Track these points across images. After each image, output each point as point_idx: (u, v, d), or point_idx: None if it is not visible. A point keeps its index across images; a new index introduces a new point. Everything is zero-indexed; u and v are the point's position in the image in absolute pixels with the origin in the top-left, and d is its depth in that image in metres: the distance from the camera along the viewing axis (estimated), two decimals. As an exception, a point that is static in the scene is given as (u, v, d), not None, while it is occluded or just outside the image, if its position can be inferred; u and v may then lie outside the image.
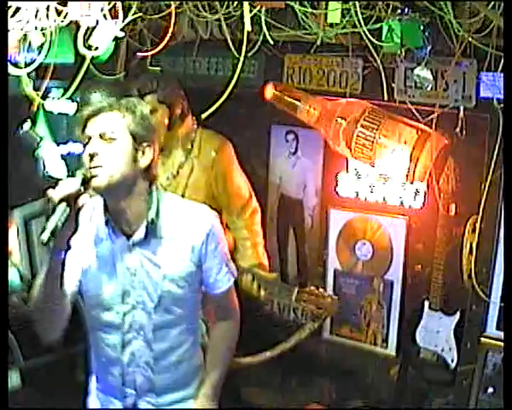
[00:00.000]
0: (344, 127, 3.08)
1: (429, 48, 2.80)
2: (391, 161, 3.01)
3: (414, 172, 2.96)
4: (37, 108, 3.66)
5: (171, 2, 2.98)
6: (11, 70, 2.89)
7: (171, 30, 3.18)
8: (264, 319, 3.44)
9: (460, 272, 3.12)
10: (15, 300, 3.40)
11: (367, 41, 2.73)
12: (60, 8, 2.65)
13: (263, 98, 3.36)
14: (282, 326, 3.45)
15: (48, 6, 2.63)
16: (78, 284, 2.18)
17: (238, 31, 3.09)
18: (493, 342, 3.07)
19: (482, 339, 3.11)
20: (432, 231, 3.25)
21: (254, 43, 3.11)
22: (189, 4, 3.01)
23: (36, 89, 3.50)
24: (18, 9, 2.59)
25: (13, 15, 2.59)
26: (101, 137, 2.04)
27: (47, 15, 2.65)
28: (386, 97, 3.14)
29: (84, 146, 2.06)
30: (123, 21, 2.85)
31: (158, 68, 3.69)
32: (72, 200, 1.94)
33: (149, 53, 3.45)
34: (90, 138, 2.06)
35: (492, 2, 2.47)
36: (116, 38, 2.96)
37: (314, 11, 2.80)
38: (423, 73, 2.94)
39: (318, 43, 2.95)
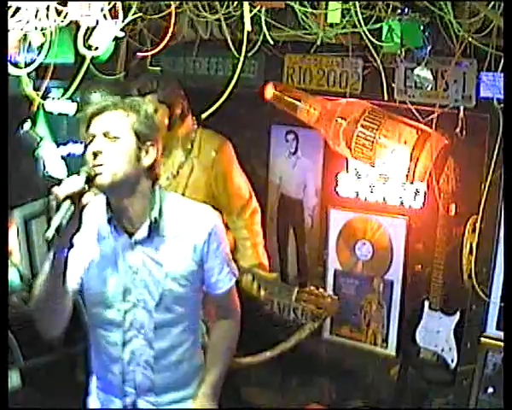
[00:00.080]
0: (344, 127, 3.08)
1: (429, 48, 2.80)
2: (391, 161, 3.01)
3: (414, 172, 2.96)
4: (37, 108, 3.66)
5: (171, 2, 2.98)
6: (11, 70, 2.89)
7: (171, 30, 3.18)
8: (264, 319, 3.44)
9: (460, 272, 3.12)
10: (15, 300, 3.40)
11: (367, 41, 2.73)
12: (60, 8, 2.65)
13: (263, 98, 3.36)
14: (282, 326, 3.46)
15: (48, 6, 2.62)
16: (80, 281, 2.19)
17: (238, 31, 3.09)
18: (493, 342, 3.08)
19: (482, 339, 3.11)
20: (432, 231, 3.25)
21: (254, 43, 3.11)
22: (189, 4, 3.01)
23: (36, 89, 3.50)
24: (18, 9, 2.59)
25: (13, 15, 2.59)
26: (105, 135, 2.05)
27: (47, 15, 2.65)
28: (386, 97, 3.15)
29: (88, 144, 2.07)
30: (123, 21, 2.85)
31: (158, 68, 3.69)
32: (76, 198, 1.95)
33: (149, 53, 3.45)
34: (94, 137, 2.06)
35: (492, 2, 2.47)
36: (116, 38, 2.96)
37: (314, 11, 2.80)
38: (423, 73, 2.94)
39: (318, 43, 2.95)
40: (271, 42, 2.96)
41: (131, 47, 3.65)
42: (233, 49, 3.16)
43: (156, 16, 3.15)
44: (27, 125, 3.59)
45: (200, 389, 2.33)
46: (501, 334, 3.02)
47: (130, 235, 2.14)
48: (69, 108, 3.79)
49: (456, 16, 2.60)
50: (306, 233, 3.85)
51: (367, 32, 2.66)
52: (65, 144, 3.82)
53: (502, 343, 2.95)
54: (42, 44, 2.89)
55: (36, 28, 2.69)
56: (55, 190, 1.95)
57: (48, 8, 2.63)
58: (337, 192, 3.51)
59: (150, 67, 3.69)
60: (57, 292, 2.05)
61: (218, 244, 2.22)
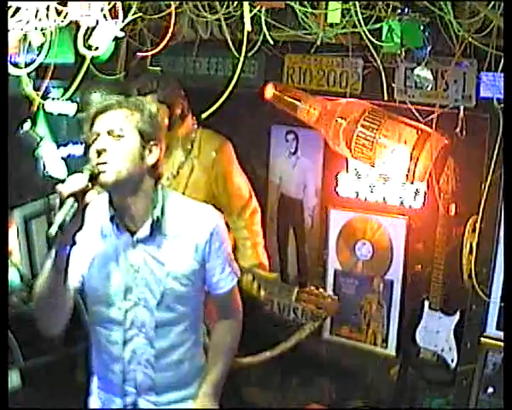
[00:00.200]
0: (344, 127, 3.08)
1: (429, 48, 2.80)
2: (391, 161, 3.01)
3: (414, 172, 2.96)
4: (37, 108, 3.66)
5: (171, 2, 2.97)
6: (11, 70, 2.89)
7: (171, 30, 3.17)
8: (264, 319, 3.44)
9: (460, 272, 3.12)
10: (15, 300, 3.40)
11: (367, 41, 2.73)
12: (60, 8, 2.65)
13: (263, 98, 3.36)
14: (282, 326, 3.45)
15: (48, 6, 2.62)
16: (82, 279, 2.19)
17: (238, 31, 3.09)
18: (493, 342, 3.07)
19: (482, 339, 3.11)
20: (432, 231, 3.25)
21: (254, 43, 3.11)
22: (189, 4, 3.01)
23: (36, 89, 3.50)
24: (18, 9, 2.59)
25: (13, 15, 2.58)
26: (109, 133, 2.06)
27: (47, 15, 2.64)
28: (386, 97, 3.14)
29: (92, 143, 2.07)
30: (123, 21, 2.85)
31: (158, 68, 3.69)
32: (79, 195, 1.95)
33: (149, 53, 3.45)
34: (98, 135, 2.07)
35: (492, 2, 2.47)
36: (116, 38, 2.96)
37: (314, 11, 2.80)
38: (423, 73, 2.94)
39: (318, 43, 2.95)
40: (271, 42, 2.96)
41: (131, 47, 3.65)
42: (233, 49, 3.15)
43: (156, 16, 3.15)
44: (27, 125, 3.59)
45: (201, 389, 2.32)
46: (501, 334, 3.02)
47: (132, 233, 2.14)
48: (69, 108, 3.79)
49: (456, 16, 2.60)
50: (306, 233, 3.85)
51: (367, 32, 2.66)
52: (65, 145, 3.82)
53: (502, 343, 2.95)
54: (42, 44, 2.89)
55: (36, 28, 2.69)
56: (59, 187, 1.96)
57: (48, 8, 2.63)
58: (337, 192, 3.51)
59: (150, 67, 3.68)
60: (58, 289, 2.06)
61: (219, 244, 2.22)
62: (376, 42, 2.73)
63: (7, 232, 2.97)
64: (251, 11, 2.74)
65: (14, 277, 3.49)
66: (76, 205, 1.94)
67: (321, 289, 3.23)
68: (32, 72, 3.18)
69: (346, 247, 3.65)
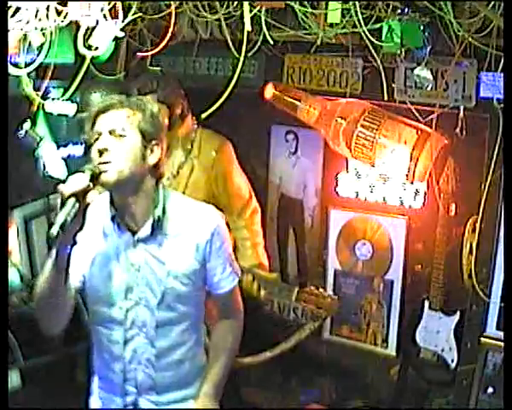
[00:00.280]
0: (344, 127, 3.08)
1: (429, 48, 2.80)
2: (391, 161, 3.01)
3: (414, 172, 2.96)
4: (37, 108, 3.66)
5: (171, 2, 2.97)
6: (11, 70, 2.88)
7: (171, 30, 3.17)
8: (264, 319, 3.44)
9: (460, 272, 3.12)
10: (15, 300, 3.40)
11: (367, 41, 2.73)
12: (60, 8, 2.64)
13: (263, 98, 3.36)
14: (282, 326, 3.45)
15: (48, 6, 2.62)
16: (82, 279, 2.19)
17: (238, 31, 3.09)
18: (493, 342, 3.07)
19: (482, 339, 3.11)
20: (432, 231, 3.25)
21: (254, 43, 3.11)
22: (189, 4, 3.00)
23: (36, 89, 3.50)
24: (18, 9, 2.59)
25: (13, 15, 2.58)
26: (110, 133, 2.06)
27: (47, 15, 2.64)
28: (386, 97, 3.15)
29: (94, 142, 2.07)
30: (123, 21, 2.85)
31: (158, 68, 3.69)
32: (81, 195, 1.96)
33: (149, 53, 3.45)
34: (99, 134, 2.07)
35: (492, 2, 2.47)
36: (116, 38, 2.96)
37: (314, 11, 2.80)
38: (423, 73, 2.94)
39: (318, 43, 2.95)
40: (271, 42, 2.96)
41: (131, 47, 3.65)
42: (233, 49, 3.15)
43: (156, 16, 3.15)
44: (27, 125, 3.58)
45: (202, 389, 2.32)
46: (501, 334, 3.02)
47: (133, 233, 2.15)
48: (69, 108, 3.79)
49: (456, 16, 2.60)
50: (306, 233, 3.85)
51: (367, 32, 2.66)
52: (65, 145, 3.82)
53: (502, 343, 2.95)
54: (42, 44, 2.89)
55: (36, 28, 2.69)
56: (61, 187, 1.96)
57: (48, 8, 2.63)
58: (337, 192, 3.51)
59: (150, 67, 3.68)
60: (59, 289, 2.06)
61: (220, 244, 2.22)
62: (376, 42, 2.73)
63: (7, 232, 2.97)
64: (251, 11, 2.74)
65: (14, 277, 3.49)
66: (77, 205, 1.94)
67: (321, 289, 3.23)
68: (31, 72, 3.17)
69: (345, 247, 3.65)
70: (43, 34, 2.81)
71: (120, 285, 2.16)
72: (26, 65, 3.08)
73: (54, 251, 1.98)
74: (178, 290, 2.17)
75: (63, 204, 1.94)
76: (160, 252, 2.15)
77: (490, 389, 3.08)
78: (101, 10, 2.70)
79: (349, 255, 3.64)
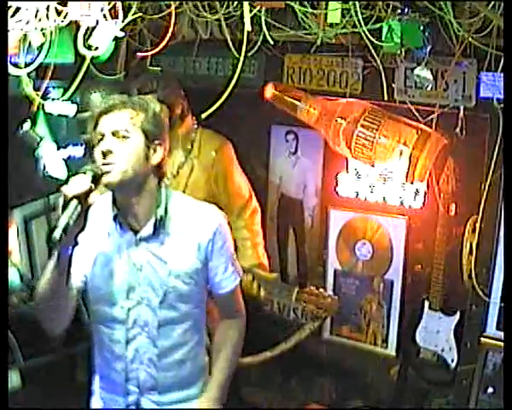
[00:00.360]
0: (344, 127, 3.08)
1: (429, 48, 2.80)
2: (391, 160, 3.01)
3: (414, 172, 2.96)
4: (37, 108, 3.66)
5: (171, 2, 2.98)
6: (11, 70, 2.88)
7: (171, 30, 3.18)
8: (264, 319, 3.44)
9: (460, 272, 3.12)
10: (15, 300, 3.40)
11: (367, 41, 2.73)
12: (60, 8, 2.65)
13: (263, 98, 3.36)
14: (282, 326, 3.45)
15: (48, 6, 2.62)
16: (84, 279, 2.19)
17: (238, 31, 3.09)
18: (493, 342, 3.08)
19: (482, 339, 3.11)
20: (432, 231, 3.25)
21: (254, 43, 3.11)
22: (189, 4, 3.01)
23: (36, 89, 3.50)
24: (18, 9, 2.59)
25: (13, 15, 2.58)
26: (114, 134, 2.06)
27: (47, 15, 2.64)
28: (386, 97, 3.15)
29: (97, 144, 2.07)
30: (123, 21, 2.85)
31: (158, 68, 3.69)
32: (83, 197, 1.96)
33: (149, 53, 3.45)
34: (102, 136, 2.07)
35: (492, 2, 2.47)
36: (116, 38, 2.96)
37: (314, 11, 2.80)
38: (423, 73, 2.94)
39: (318, 43, 2.95)
40: (271, 42, 2.96)
41: (131, 47, 3.65)
42: (233, 49, 3.15)
43: (156, 16, 3.15)
44: (27, 125, 3.58)
45: (207, 392, 2.31)
46: (501, 334, 3.02)
47: (135, 232, 2.15)
48: (69, 109, 3.79)
49: (456, 16, 2.60)
50: (306, 233, 3.85)
51: (367, 32, 2.66)
52: (65, 147, 3.82)
53: (502, 343, 2.95)
54: (42, 44, 2.89)
55: (36, 28, 2.69)
56: (63, 189, 1.96)
57: (48, 8, 2.63)
58: (337, 192, 3.51)
59: (150, 67, 3.68)
60: (61, 290, 2.06)
61: (222, 243, 2.22)
62: (376, 42, 2.73)
63: (7, 232, 2.97)
64: (251, 11, 2.74)
65: (14, 277, 3.49)
66: (79, 207, 1.95)
67: (321, 289, 3.23)
68: (31, 72, 3.17)
69: (346, 247, 3.65)
70: (43, 34, 2.81)
71: (122, 285, 2.16)
72: (26, 65, 3.08)
73: (55, 252, 1.99)
74: (180, 290, 2.17)
75: (65, 207, 1.94)
76: (162, 251, 2.15)
77: (490, 389, 3.08)
78: (101, 10, 2.70)
79: (349, 255, 3.64)
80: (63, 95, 3.61)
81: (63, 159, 3.76)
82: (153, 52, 3.40)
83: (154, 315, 2.17)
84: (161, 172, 2.17)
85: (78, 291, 2.19)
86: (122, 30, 2.88)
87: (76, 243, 1.99)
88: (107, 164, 2.03)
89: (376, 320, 3.61)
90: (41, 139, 3.62)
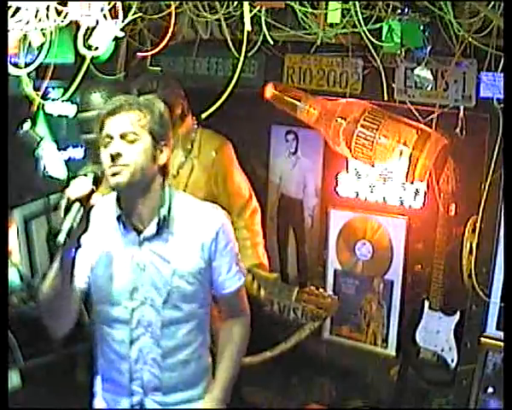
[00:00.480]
0: (344, 127, 3.08)
1: (429, 48, 2.80)
2: (391, 160, 3.01)
3: (414, 172, 2.96)
4: (37, 109, 3.66)
5: (171, 2, 2.98)
6: (11, 70, 2.88)
7: (171, 30, 3.18)
8: (264, 319, 3.44)
9: (460, 272, 3.12)
10: (15, 300, 3.40)
11: (367, 41, 2.73)
12: (60, 8, 2.64)
13: (263, 98, 3.36)
14: (282, 326, 3.45)
15: (48, 6, 2.62)
16: (88, 280, 2.19)
17: (238, 31, 3.09)
18: (493, 342, 3.08)
19: (482, 339, 3.11)
20: (432, 231, 3.25)
21: (254, 43, 3.11)
22: (189, 4, 3.01)
23: (36, 89, 3.50)
24: (18, 9, 2.59)
25: (13, 15, 2.58)
26: (122, 137, 2.05)
27: (47, 15, 2.64)
28: (386, 97, 3.15)
29: (105, 146, 2.06)
30: (123, 21, 2.85)
31: (158, 68, 3.69)
32: (85, 199, 1.96)
33: (149, 53, 3.45)
34: (110, 138, 2.06)
35: (492, 2, 2.47)
36: (116, 38, 2.96)
37: (314, 11, 2.80)
38: (423, 73, 2.94)
39: (318, 43, 2.95)
40: (271, 42, 2.96)
41: (131, 47, 3.65)
42: (233, 49, 3.16)
43: (156, 16, 3.15)
44: (27, 125, 3.58)
45: (211, 393, 2.31)
46: (501, 334, 3.02)
47: (139, 232, 2.14)
48: (69, 109, 3.79)
49: (456, 16, 2.60)
50: (306, 233, 3.85)
51: (367, 32, 2.66)
52: (65, 147, 3.82)
53: (502, 343, 2.95)
54: (42, 44, 2.89)
55: (36, 28, 2.69)
56: (66, 192, 1.96)
57: (48, 8, 2.63)
58: (337, 192, 3.51)
59: (150, 67, 3.69)
60: (65, 292, 2.06)
61: (226, 243, 2.22)
62: (376, 42, 2.73)
63: (7, 232, 2.97)
64: (251, 11, 2.74)
65: (14, 277, 3.49)
66: (82, 209, 1.95)
67: (321, 289, 3.23)
68: (31, 72, 3.17)
69: (346, 247, 3.65)
70: (43, 34, 2.81)
71: (126, 285, 2.16)
72: (26, 65, 3.08)
73: (59, 255, 1.99)
74: (184, 290, 2.17)
75: (67, 210, 1.95)
76: (165, 251, 2.15)
77: (490, 389, 3.09)
78: (101, 10, 2.70)
79: (349, 255, 3.64)
80: (63, 95, 3.61)
81: (63, 160, 3.76)
82: (153, 52, 3.40)
83: (158, 315, 2.17)
84: (166, 172, 2.18)
85: (82, 293, 2.19)
86: (122, 30, 2.88)
87: (79, 245, 1.99)
88: (117, 166, 2.03)
89: (376, 320, 3.61)
90: (41, 139, 3.61)
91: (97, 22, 2.73)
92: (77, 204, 1.94)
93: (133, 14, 2.96)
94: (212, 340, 2.40)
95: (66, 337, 2.26)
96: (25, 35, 2.83)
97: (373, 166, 3.12)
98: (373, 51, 2.91)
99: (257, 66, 3.56)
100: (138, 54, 3.58)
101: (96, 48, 2.92)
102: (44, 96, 3.64)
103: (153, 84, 3.07)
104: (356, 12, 2.61)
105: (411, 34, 2.70)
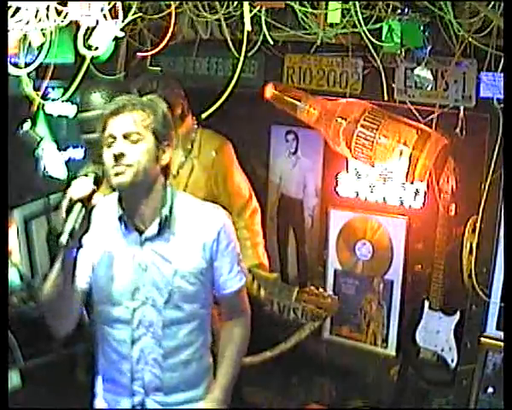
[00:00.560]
0: (344, 127, 3.08)
1: (429, 48, 2.80)
2: (391, 160, 3.01)
3: (414, 172, 2.96)
4: (37, 109, 3.66)
5: (171, 2, 2.97)
6: (11, 70, 2.88)
7: (171, 30, 3.17)
8: (264, 319, 3.44)
9: (460, 272, 3.12)
10: (15, 300, 3.40)
11: (367, 41, 2.73)
12: (60, 8, 2.64)
13: (263, 98, 3.36)
14: (282, 326, 3.45)
15: (48, 6, 2.62)
16: (89, 280, 2.19)
17: (238, 31, 3.09)
18: (493, 342, 3.08)
19: (482, 339, 3.11)
20: (432, 231, 3.25)
21: (254, 43, 3.11)
22: (189, 4, 3.01)
23: (36, 89, 3.50)
24: (18, 9, 2.59)
25: (13, 15, 2.58)
26: (125, 137, 2.05)
27: (47, 15, 2.64)
28: (386, 97, 3.15)
29: (108, 146, 2.06)
30: (123, 21, 2.85)
31: (158, 68, 3.69)
32: (86, 200, 1.96)
33: (149, 53, 3.45)
34: (114, 138, 2.06)
35: (492, 2, 2.47)
36: (116, 38, 2.96)
37: (314, 11, 2.80)
38: (423, 73, 2.94)
39: (318, 43, 2.95)
40: (271, 42, 2.95)
41: (131, 47, 3.65)
42: (233, 49, 3.15)
43: (156, 16, 3.15)
44: (27, 125, 3.58)
45: (212, 393, 2.31)
46: (501, 334, 3.02)
47: (140, 232, 2.15)
48: (69, 109, 3.79)
49: (456, 16, 2.60)
50: (306, 233, 3.85)
51: (367, 32, 2.66)
52: (65, 147, 3.82)
53: (502, 343, 2.95)
54: (42, 44, 2.89)
55: (36, 28, 2.69)
56: (68, 193, 1.96)
57: (48, 8, 2.63)
58: (337, 192, 3.51)
59: (150, 67, 3.69)
60: (67, 293, 2.06)
61: (227, 243, 2.23)
62: (376, 42, 2.73)
63: (7, 232, 2.97)
64: (251, 11, 2.73)
65: (14, 277, 3.49)
66: (83, 210, 1.95)
67: (321, 289, 3.23)
68: (31, 72, 3.17)
69: (346, 247, 3.65)
70: (43, 34, 2.81)
71: (127, 285, 2.16)
72: (26, 65, 3.08)
73: (60, 256, 1.99)
74: (185, 290, 2.17)
75: (69, 211, 1.95)
76: (166, 251, 2.15)
77: (490, 389, 3.09)
78: (101, 10, 2.70)
79: (349, 255, 3.64)
80: (63, 95, 3.62)
81: (63, 160, 3.76)
82: (153, 52, 3.40)
83: (159, 315, 2.17)
84: (168, 172, 2.18)
85: (83, 293, 2.19)
86: (122, 30, 2.88)
87: (80, 246, 2.00)
88: (120, 166, 2.03)
89: (376, 320, 3.61)
90: (41, 139, 3.62)
91: (97, 22, 2.73)
92: (78, 205, 1.95)
93: (133, 14, 2.96)
94: (213, 340, 2.41)
95: (66, 337, 2.26)
96: (25, 35, 2.83)
97: (373, 166, 3.12)
98: (373, 51, 2.90)
99: (257, 66, 3.56)
100: (138, 54, 3.58)
101: (96, 48, 2.92)
102: (44, 96, 3.64)
103: (153, 84, 3.08)
104: (356, 12, 2.61)
105: (411, 34, 2.70)
